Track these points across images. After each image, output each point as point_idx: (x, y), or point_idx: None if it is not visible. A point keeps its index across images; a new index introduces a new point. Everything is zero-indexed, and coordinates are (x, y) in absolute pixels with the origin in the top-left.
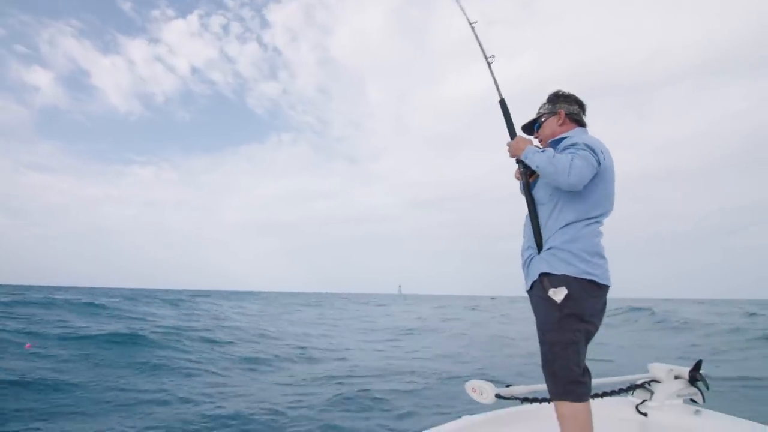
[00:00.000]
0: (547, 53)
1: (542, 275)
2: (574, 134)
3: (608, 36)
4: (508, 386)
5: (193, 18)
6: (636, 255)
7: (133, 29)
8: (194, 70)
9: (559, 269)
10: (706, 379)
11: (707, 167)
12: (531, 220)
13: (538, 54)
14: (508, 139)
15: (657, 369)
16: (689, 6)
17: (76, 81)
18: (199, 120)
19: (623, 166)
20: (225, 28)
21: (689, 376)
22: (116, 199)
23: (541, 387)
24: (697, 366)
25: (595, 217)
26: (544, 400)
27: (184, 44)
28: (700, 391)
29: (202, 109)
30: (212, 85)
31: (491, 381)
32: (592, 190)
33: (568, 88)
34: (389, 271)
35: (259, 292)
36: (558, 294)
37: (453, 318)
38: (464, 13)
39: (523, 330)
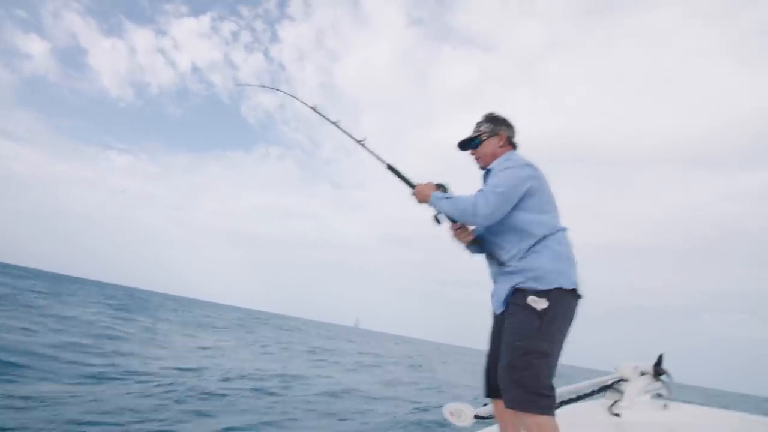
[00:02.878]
0: (539, 115)
1: (518, 289)
2: (510, 156)
3: (595, 111)
4: (485, 405)
5: (206, 19)
6: (602, 324)
7: (143, 18)
8: (195, 69)
9: (539, 283)
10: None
11: (675, 248)
12: (489, 242)
13: (529, 114)
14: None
15: (624, 368)
16: (671, 97)
17: (72, 57)
18: (190, 118)
19: (596, 236)
20: (235, 34)
21: (653, 371)
22: (85, 181)
23: None
24: (659, 360)
25: (553, 227)
26: None
27: (191, 42)
28: (665, 384)
29: (195, 109)
30: (210, 86)
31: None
32: (533, 205)
33: (554, 150)
34: (350, 302)
35: (206, 302)
36: (539, 303)
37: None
38: (350, 135)
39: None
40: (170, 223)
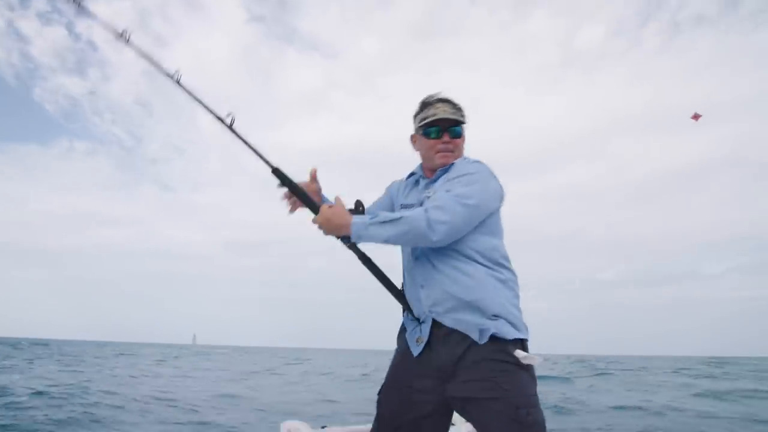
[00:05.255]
0: (382, 124)
1: (495, 337)
2: (477, 160)
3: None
4: (323, 427)
5: None
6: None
7: None
8: None
9: (519, 331)
10: None
11: None
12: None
13: (374, 122)
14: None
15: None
16: (479, 116)
17: None
18: None
19: None
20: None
21: None
22: None
23: (361, 428)
24: None
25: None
26: None
27: None
28: None
29: None
30: None
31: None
32: (493, 227)
33: (393, 158)
34: (187, 316)
35: None
36: (531, 359)
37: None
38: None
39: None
40: None
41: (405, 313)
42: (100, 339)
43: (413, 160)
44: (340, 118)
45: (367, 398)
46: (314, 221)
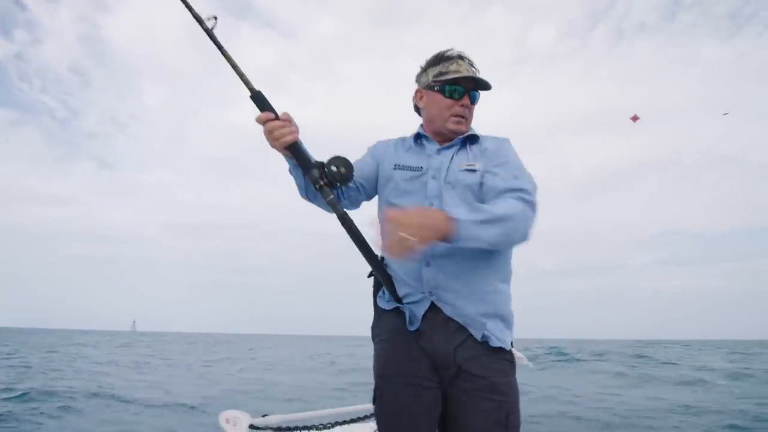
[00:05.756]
0: (336, 108)
1: (496, 339)
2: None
3: (384, 112)
4: (264, 415)
5: None
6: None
7: None
8: None
9: (511, 334)
10: None
11: None
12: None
13: (327, 105)
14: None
15: None
16: None
17: None
18: None
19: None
20: None
21: None
22: None
23: (300, 416)
24: None
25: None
26: (303, 428)
27: None
28: None
29: None
30: None
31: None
32: None
33: (349, 144)
34: (127, 302)
35: None
36: (522, 359)
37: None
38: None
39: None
40: None
41: (381, 293)
42: (29, 326)
43: (367, 144)
44: (297, 101)
45: (312, 385)
46: (403, 223)
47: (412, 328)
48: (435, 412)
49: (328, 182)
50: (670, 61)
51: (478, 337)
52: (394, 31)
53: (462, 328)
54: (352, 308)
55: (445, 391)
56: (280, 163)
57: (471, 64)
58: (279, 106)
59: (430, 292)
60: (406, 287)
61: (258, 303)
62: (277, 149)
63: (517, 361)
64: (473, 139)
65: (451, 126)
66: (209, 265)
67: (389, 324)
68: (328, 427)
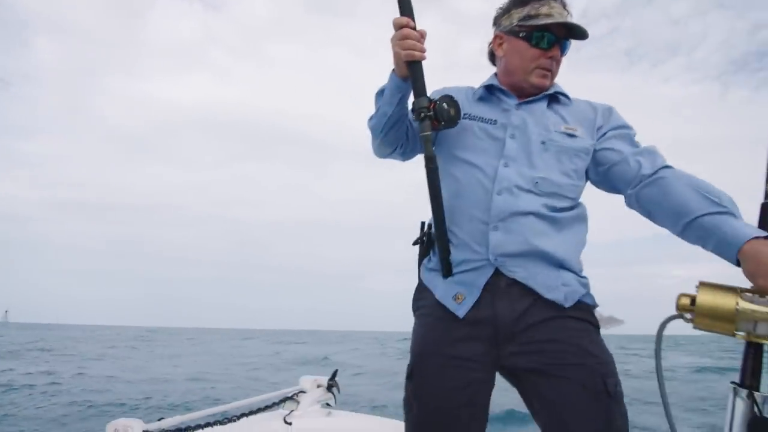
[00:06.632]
0: (262, 91)
1: (586, 303)
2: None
3: (313, 100)
4: (160, 419)
5: None
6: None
7: None
8: None
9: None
10: (340, 385)
11: (357, 226)
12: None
13: (252, 87)
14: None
15: (305, 381)
16: (364, 103)
17: None
18: None
19: (301, 212)
20: None
21: (327, 384)
22: None
23: (201, 414)
24: (334, 374)
25: None
26: (206, 425)
27: None
28: (334, 395)
29: None
30: None
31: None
32: None
33: (272, 130)
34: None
35: None
36: (615, 321)
37: None
38: None
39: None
40: None
41: (428, 260)
42: None
43: (304, 133)
44: (219, 78)
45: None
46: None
47: (463, 308)
48: (481, 398)
49: (434, 117)
50: (575, 91)
51: (556, 298)
52: (327, 20)
53: (528, 293)
54: (269, 301)
55: (513, 368)
56: (193, 145)
57: (564, 6)
58: (198, 80)
59: (497, 257)
60: (468, 252)
61: (166, 294)
62: (398, 62)
63: (610, 324)
64: (557, 97)
65: (534, 80)
66: (107, 252)
67: (429, 304)
68: (234, 420)
